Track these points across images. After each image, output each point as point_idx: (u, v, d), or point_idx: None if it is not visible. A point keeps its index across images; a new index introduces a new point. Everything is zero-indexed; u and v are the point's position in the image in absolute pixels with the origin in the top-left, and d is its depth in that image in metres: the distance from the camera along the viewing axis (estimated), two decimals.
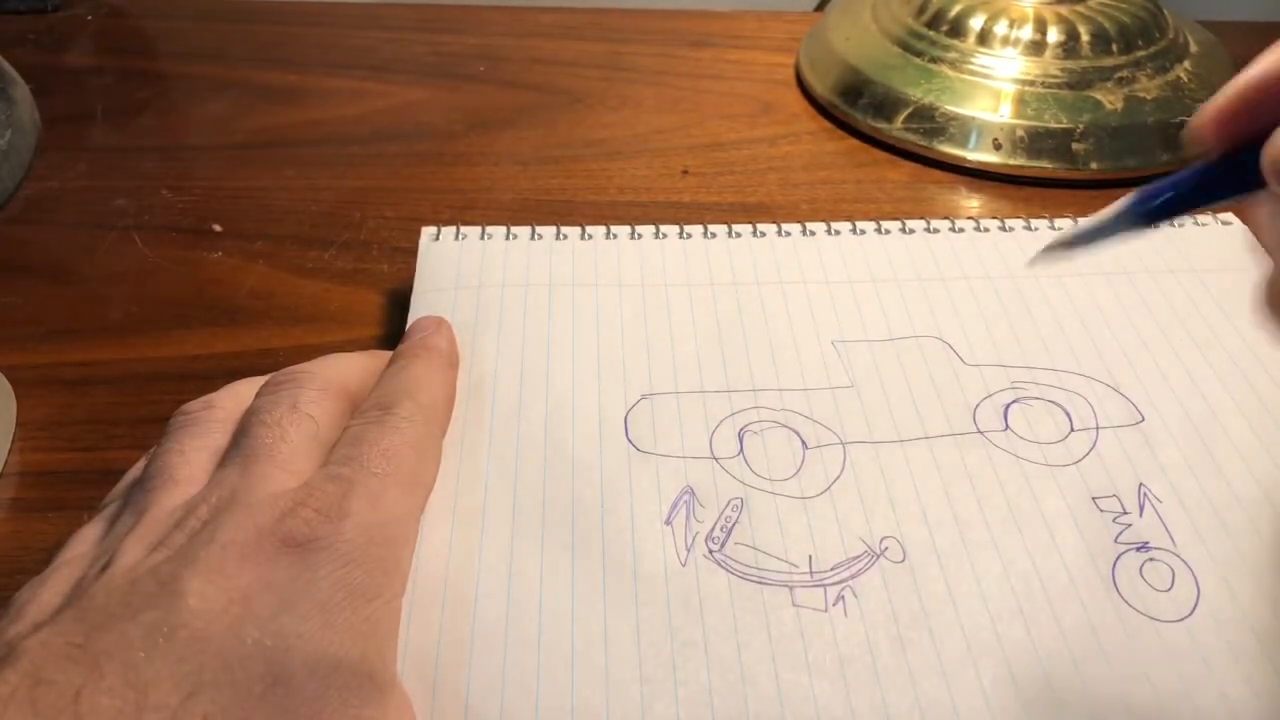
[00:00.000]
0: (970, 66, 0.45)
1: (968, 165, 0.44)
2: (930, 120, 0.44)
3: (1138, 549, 0.26)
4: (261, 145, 0.45)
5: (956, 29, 0.46)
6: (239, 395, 0.27)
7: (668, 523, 0.26)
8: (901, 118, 0.45)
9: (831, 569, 0.25)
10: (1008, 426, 0.29)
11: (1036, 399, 0.30)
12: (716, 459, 0.28)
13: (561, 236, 0.35)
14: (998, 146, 0.43)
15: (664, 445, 0.28)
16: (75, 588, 0.21)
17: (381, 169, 0.44)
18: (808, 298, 0.33)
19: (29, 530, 0.28)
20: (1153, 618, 0.24)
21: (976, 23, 0.46)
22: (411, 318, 0.31)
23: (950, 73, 0.45)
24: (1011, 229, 0.37)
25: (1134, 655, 0.23)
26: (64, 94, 0.49)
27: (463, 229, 0.35)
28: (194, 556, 0.21)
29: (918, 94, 0.45)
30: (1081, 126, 0.43)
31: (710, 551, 0.25)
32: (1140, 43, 0.46)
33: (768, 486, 0.27)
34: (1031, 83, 0.44)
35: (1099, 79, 0.44)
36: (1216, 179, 0.21)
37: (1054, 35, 0.45)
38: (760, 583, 0.25)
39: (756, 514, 0.26)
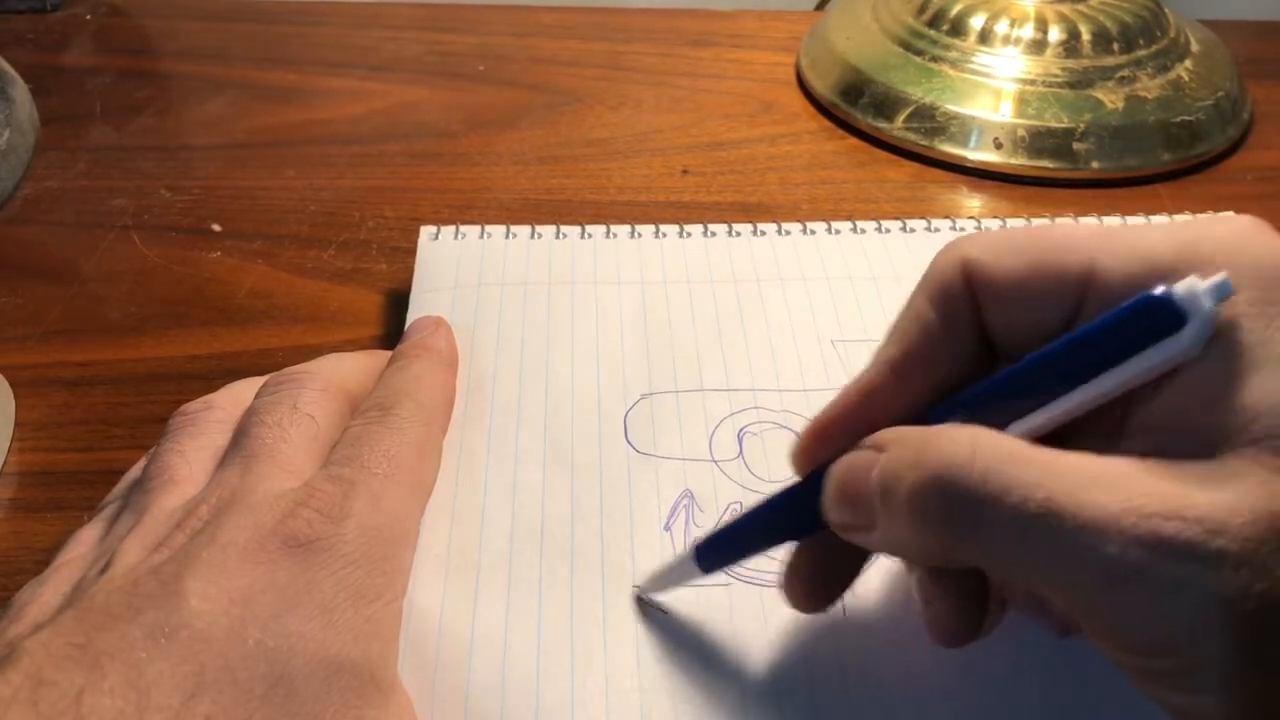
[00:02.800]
0: (971, 66, 0.45)
1: (968, 165, 0.44)
2: (931, 120, 0.44)
3: None
4: (261, 145, 0.45)
5: (957, 28, 0.46)
6: (238, 395, 0.27)
7: (667, 528, 0.26)
8: (902, 117, 0.45)
9: None
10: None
11: None
12: (715, 462, 0.28)
13: (561, 236, 0.35)
14: (999, 146, 0.43)
15: (663, 446, 0.28)
16: (76, 588, 0.21)
17: (381, 169, 0.44)
18: (808, 296, 0.33)
19: (28, 530, 0.28)
20: None
21: (977, 22, 0.46)
22: (411, 317, 0.31)
23: (951, 72, 0.45)
24: (1012, 229, 0.36)
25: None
26: (63, 94, 0.49)
27: (462, 228, 0.35)
28: (195, 557, 0.21)
29: (918, 93, 0.45)
30: (1082, 126, 0.43)
31: None
32: (1141, 42, 0.46)
33: (767, 489, 0.27)
34: (1032, 82, 0.44)
35: (1100, 78, 0.44)
36: (776, 519, 0.22)
37: (1055, 34, 0.45)
38: (759, 585, 0.25)
39: None
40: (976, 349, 0.21)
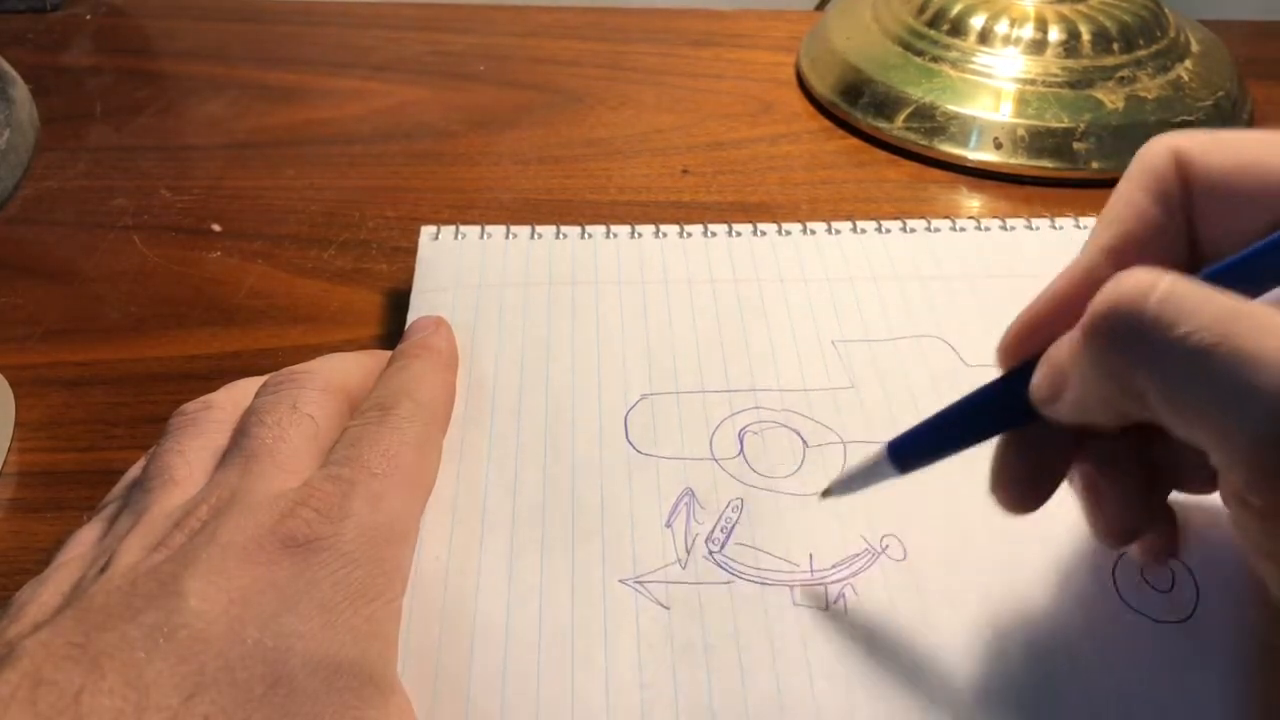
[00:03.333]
0: (971, 66, 0.45)
1: (968, 165, 0.44)
2: (931, 119, 0.44)
3: None
4: (261, 145, 0.45)
5: (957, 28, 0.46)
6: (238, 395, 0.27)
7: (668, 526, 0.26)
8: (902, 117, 0.45)
9: (832, 567, 0.25)
10: None
11: None
12: (716, 460, 0.28)
13: (561, 236, 0.35)
14: (998, 146, 0.43)
15: (664, 446, 0.28)
16: (75, 588, 0.21)
17: (381, 169, 0.44)
18: (808, 296, 0.33)
19: (28, 530, 0.28)
20: (1153, 618, 0.24)
21: (977, 22, 0.46)
22: (411, 317, 0.31)
23: (951, 72, 0.45)
24: (1013, 228, 0.36)
25: (1134, 655, 0.23)
26: (63, 94, 0.49)
27: (462, 228, 0.35)
28: (194, 557, 0.21)
29: (918, 93, 0.45)
30: (1082, 126, 0.43)
31: (710, 553, 0.25)
32: (1141, 42, 0.46)
33: (768, 485, 0.27)
34: (1032, 82, 0.44)
35: (1100, 78, 0.44)
36: (980, 412, 0.22)
37: (1055, 34, 0.45)
38: (761, 583, 0.25)
39: (756, 514, 0.26)
40: (1187, 246, 0.20)
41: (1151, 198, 0.20)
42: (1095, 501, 0.22)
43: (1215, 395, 0.16)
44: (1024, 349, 0.21)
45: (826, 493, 0.25)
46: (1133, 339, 0.17)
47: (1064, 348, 0.19)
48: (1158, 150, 0.20)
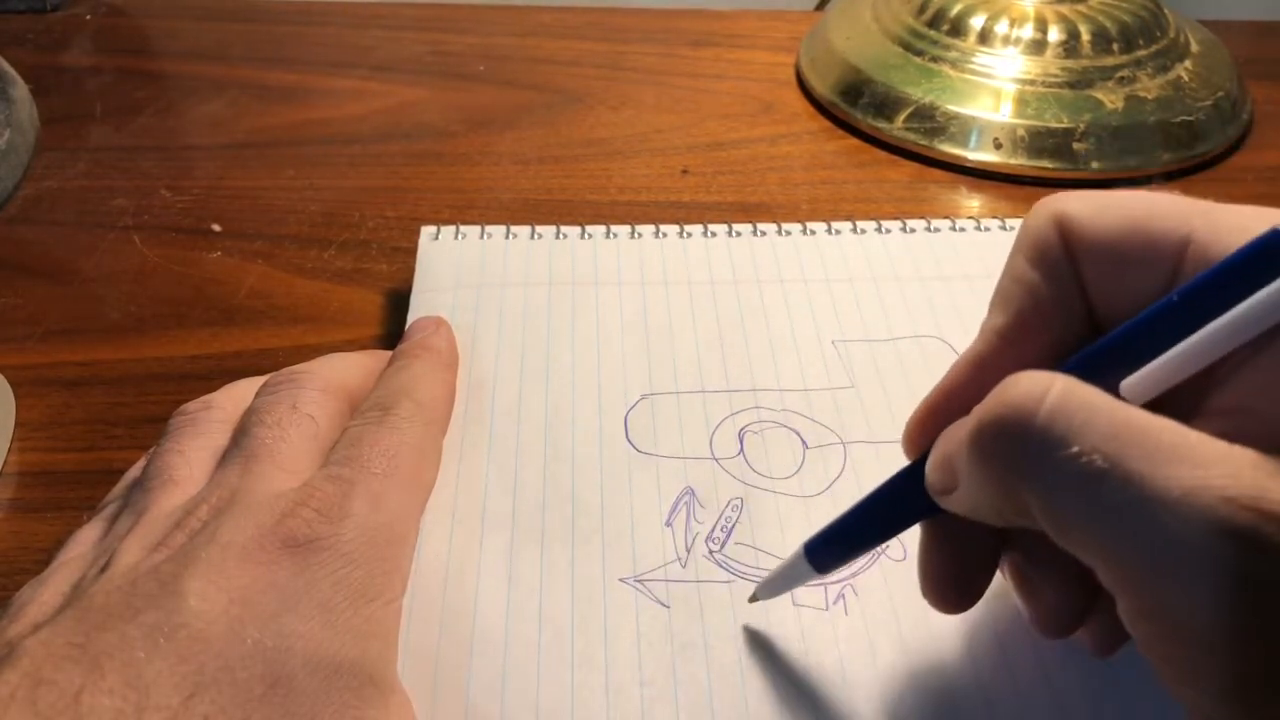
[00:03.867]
0: (971, 66, 0.45)
1: (968, 165, 0.44)
2: (931, 120, 0.44)
3: None
4: (261, 145, 0.45)
5: (957, 28, 0.46)
6: (238, 395, 0.27)
7: (668, 524, 0.26)
8: (902, 117, 0.45)
9: None
10: None
11: None
12: (716, 459, 0.28)
13: (561, 236, 0.35)
14: (998, 146, 0.43)
15: (664, 446, 0.28)
16: (75, 588, 0.21)
17: (381, 169, 0.44)
18: (808, 296, 0.33)
19: (29, 530, 0.28)
20: None
21: (977, 22, 0.46)
22: (411, 318, 0.31)
23: (951, 72, 0.45)
24: (1012, 228, 0.36)
25: (1134, 653, 0.23)
26: (63, 94, 0.49)
27: (462, 228, 0.35)
28: (194, 557, 0.21)
29: (918, 93, 0.45)
30: (1082, 126, 0.43)
31: (710, 552, 0.25)
32: (1141, 42, 0.46)
33: (768, 485, 0.27)
34: (1032, 82, 0.44)
35: (1100, 78, 0.44)
36: (887, 507, 0.21)
37: (1055, 34, 0.45)
38: (759, 582, 0.25)
39: (757, 514, 0.26)
40: (1083, 315, 0.20)
41: (1039, 271, 0.20)
42: (1028, 593, 0.21)
43: (1104, 522, 0.15)
44: (925, 439, 0.21)
45: (753, 598, 0.24)
46: (1018, 454, 0.16)
47: (954, 440, 0.19)
48: (1041, 219, 0.20)
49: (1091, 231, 0.19)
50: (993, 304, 0.21)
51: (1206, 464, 0.15)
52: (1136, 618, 0.16)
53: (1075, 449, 0.15)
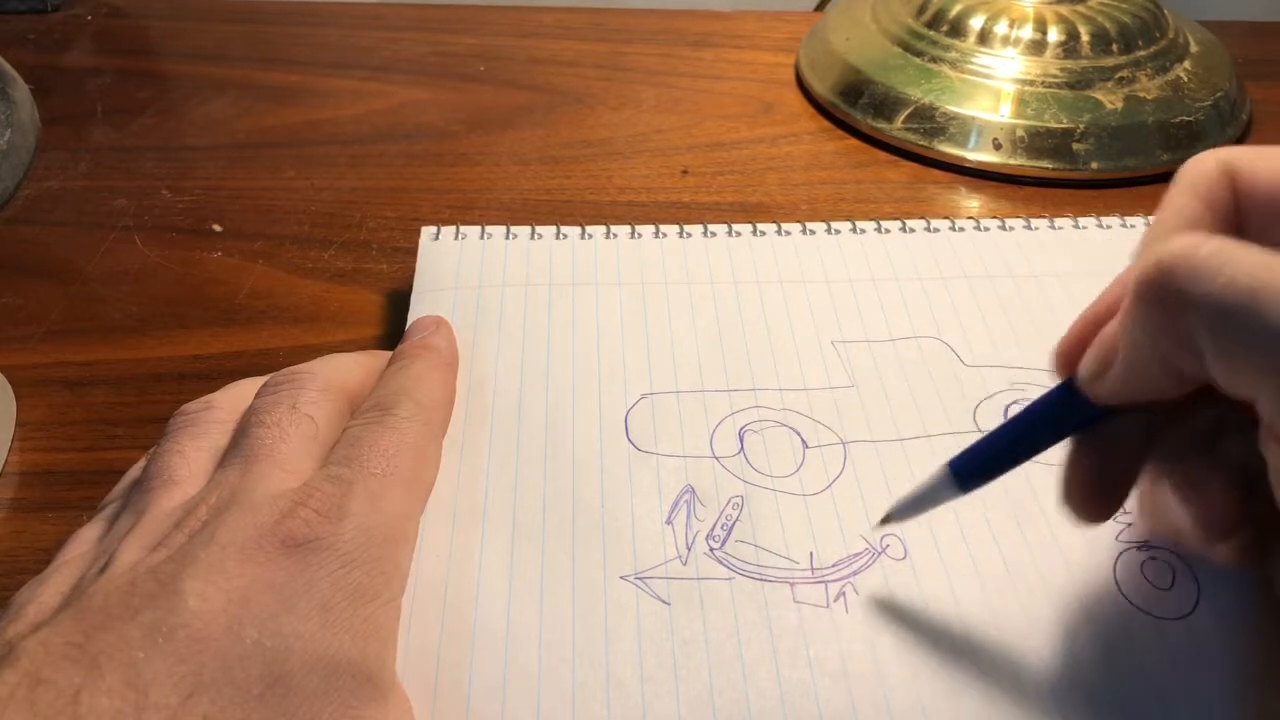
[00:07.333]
0: (970, 66, 0.45)
1: (968, 165, 0.44)
2: (930, 120, 0.44)
3: (1138, 547, 0.26)
4: (261, 145, 0.45)
5: (957, 29, 0.46)
6: (238, 395, 0.27)
7: (668, 522, 0.26)
8: (901, 118, 0.45)
9: (833, 565, 0.25)
10: None
11: None
12: (717, 458, 0.28)
13: (561, 236, 0.35)
14: (998, 146, 0.43)
15: (664, 445, 0.28)
16: (75, 588, 0.21)
17: (381, 169, 0.44)
18: (808, 297, 0.33)
19: (29, 530, 0.28)
20: (1154, 615, 0.24)
21: (977, 22, 0.46)
22: (411, 318, 0.31)
23: (950, 72, 0.45)
24: (1012, 229, 0.37)
25: (1135, 652, 0.23)
26: (64, 94, 0.49)
27: (462, 229, 0.35)
28: (194, 557, 0.21)
29: (918, 94, 0.45)
30: (1082, 126, 0.43)
31: (711, 550, 0.25)
32: (1140, 43, 0.46)
33: (768, 484, 0.27)
34: (1032, 82, 0.44)
35: (1099, 79, 0.44)
36: (1039, 421, 0.22)
37: (1054, 35, 0.45)
38: (761, 580, 0.25)
39: (757, 512, 0.26)
40: None
41: (1204, 205, 0.20)
42: (1190, 500, 0.22)
43: (1260, 333, 0.16)
44: (1078, 355, 0.21)
45: (886, 519, 0.24)
46: (1184, 286, 0.17)
47: (1112, 325, 0.20)
48: (1206, 164, 0.20)
49: (1257, 176, 0.20)
50: (1148, 237, 0.21)
51: None
52: None
53: (1233, 273, 0.16)
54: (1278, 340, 0.16)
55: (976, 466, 0.23)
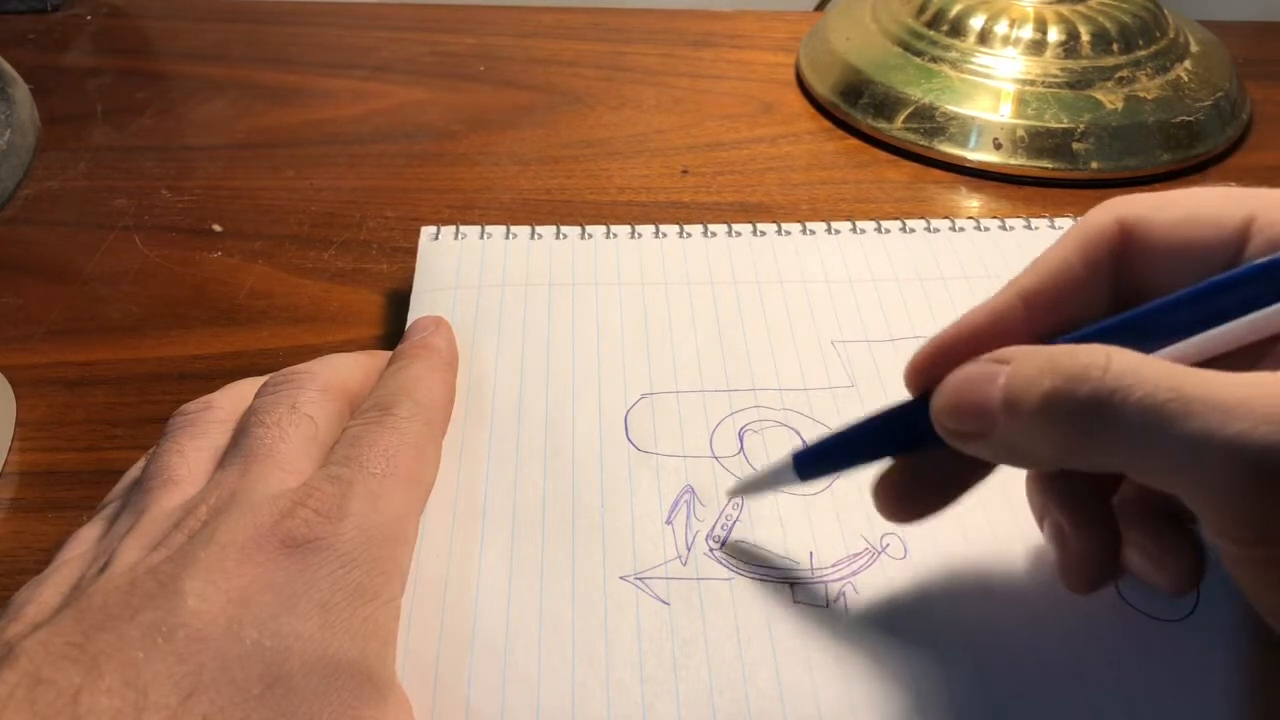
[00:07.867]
0: (970, 66, 0.45)
1: (968, 165, 0.44)
2: (930, 120, 0.44)
3: None
4: (261, 145, 0.45)
5: (957, 29, 0.46)
6: (238, 396, 0.27)
7: (668, 522, 0.26)
8: (902, 117, 0.45)
9: (832, 565, 0.25)
10: None
11: None
12: (717, 458, 0.28)
13: (561, 236, 0.35)
14: (998, 146, 0.43)
15: (664, 445, 0.28)
16: (74, 588, 0.21)
17: (381, 169, 0.44)
18: (808, 297, 0.33)
19: (29, 530, 0.28)
20: (1154, 616, 0.24)
21: (977, 22, 0.46)
22: (411, 318, 0.31)
23: (950, 72, 0.45)
24: (1012, 228, 0.36)
25: (1134, 653, 0.23)
26: (64, 94, 0.49)
27: (462, 229, 0.35)
28: (193, 556, 0.21)
29: (918, 94, 0.45)
30: (1082, 126, 0.43)
31: (711, 549, 0.25)
32: (1140, 42, 0.46)
33: None
34: (1032, 82, 0.44)
35: (1099, 78, 0.44)
36: (884, 432, 0.22)
37: (1054, 35, 0.45)
38: (761, 580, 0.25)
39: (757, 512, 0.26)
40: (1107, 302, 0.21)
41: (1081, 258, 0.21)
42: (1060, 546, 0.23)
43: (1176, 445, 0.17)
44: (932, 373, 0.22)
45: (732, 491, 0.26)
46: (1091, 411, 0.18)
47: (983, 395, 0.20)
48: (1103, 215, 0.21)
49: (1154, 224, 0.21)
50: (1027, 269, 0.22)
51: (1260, 382, 0.17)
52: (1224, 528, 0.17)
53: (1141, 392, 0.17)
54: (1197, 449, 0.16)
55: (818, 462, 0.23)
